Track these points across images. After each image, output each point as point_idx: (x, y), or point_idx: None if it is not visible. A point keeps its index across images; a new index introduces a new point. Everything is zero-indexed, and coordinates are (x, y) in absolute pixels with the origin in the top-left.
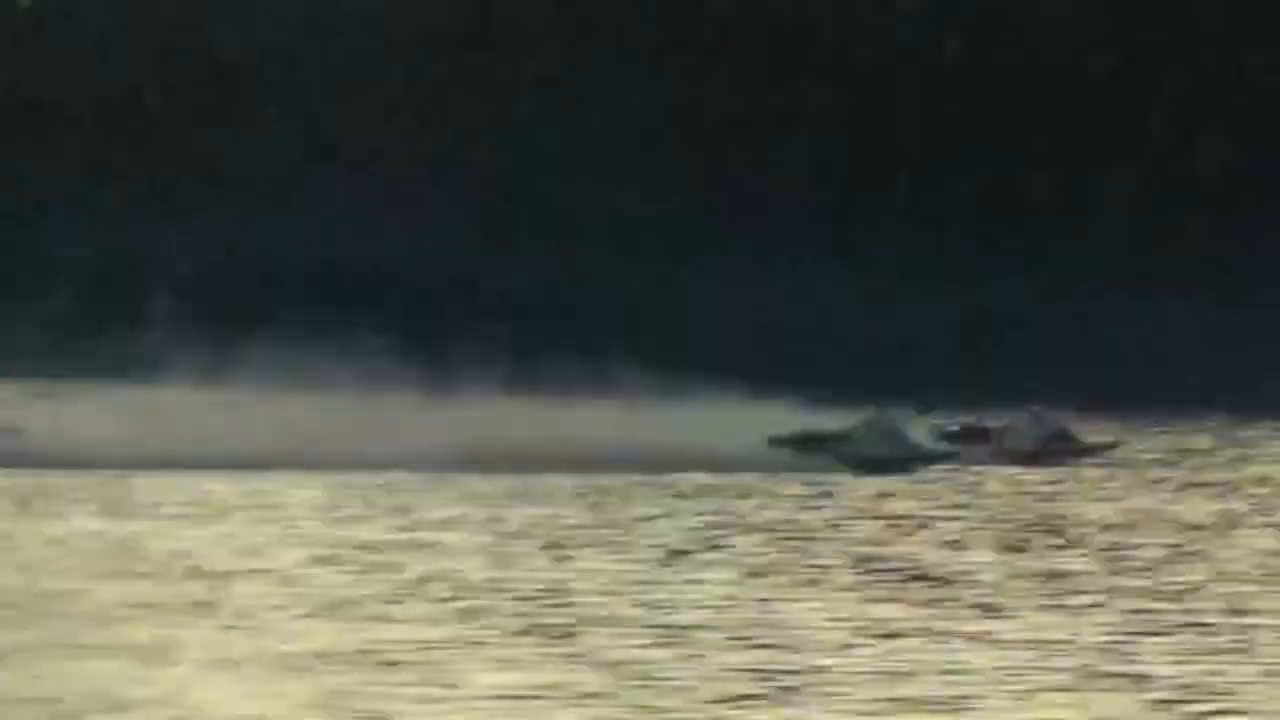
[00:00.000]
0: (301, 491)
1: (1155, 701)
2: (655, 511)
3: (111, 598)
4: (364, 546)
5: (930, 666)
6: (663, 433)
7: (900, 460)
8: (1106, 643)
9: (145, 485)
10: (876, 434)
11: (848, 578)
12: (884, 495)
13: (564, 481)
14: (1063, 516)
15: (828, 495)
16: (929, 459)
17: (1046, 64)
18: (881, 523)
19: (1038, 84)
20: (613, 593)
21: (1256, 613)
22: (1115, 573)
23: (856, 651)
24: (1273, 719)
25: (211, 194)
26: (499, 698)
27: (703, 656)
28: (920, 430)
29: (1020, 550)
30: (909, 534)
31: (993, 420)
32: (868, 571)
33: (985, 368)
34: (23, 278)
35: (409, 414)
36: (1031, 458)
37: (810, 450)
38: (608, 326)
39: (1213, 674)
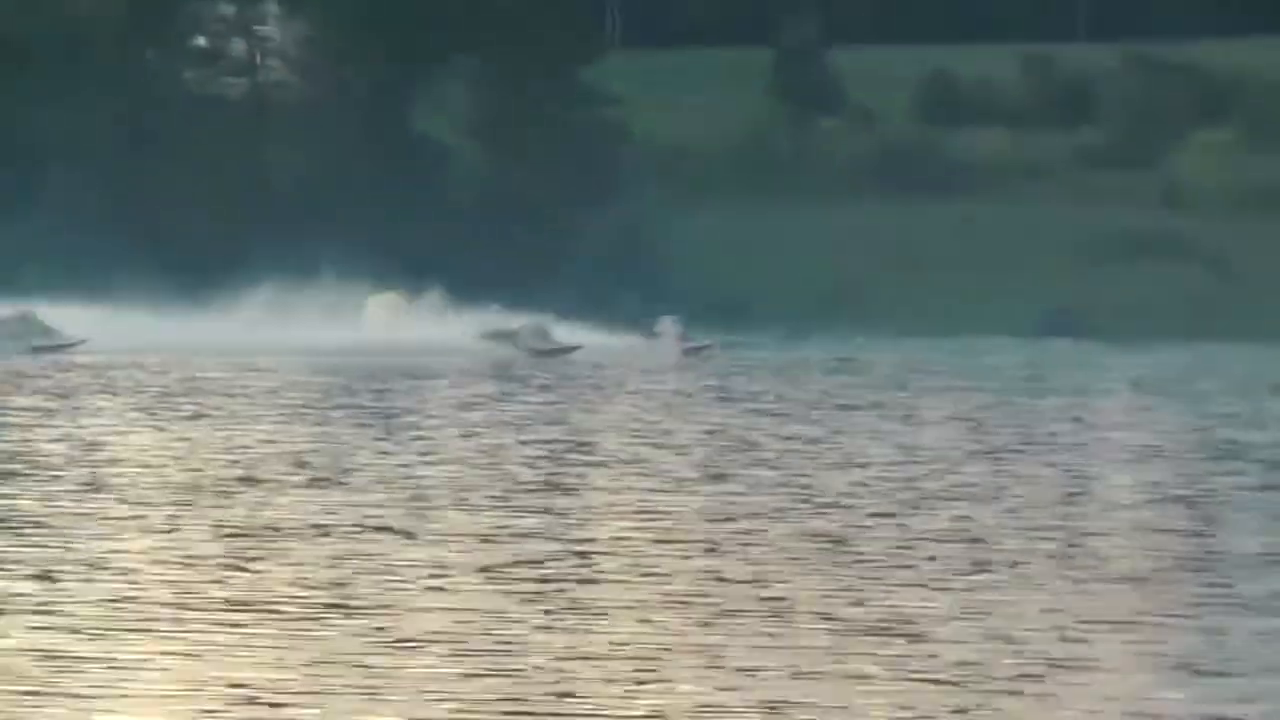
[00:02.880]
0: None
1: None
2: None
3: None
4: None
5: None
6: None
7: (547, 351)
8: None
9: None
10: (532, 333)
11: None
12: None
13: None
14: None
15: None
16: (564, 351)
17: None
18: None
19: None
20: None
21: None
22: None
23: None
24: None
25: None
26: None
27: None
28: (561, 332)
29: None
30: None
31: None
32: None
33: None
34: None
35: None
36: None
37: (501, 341)
38: None
39: None
